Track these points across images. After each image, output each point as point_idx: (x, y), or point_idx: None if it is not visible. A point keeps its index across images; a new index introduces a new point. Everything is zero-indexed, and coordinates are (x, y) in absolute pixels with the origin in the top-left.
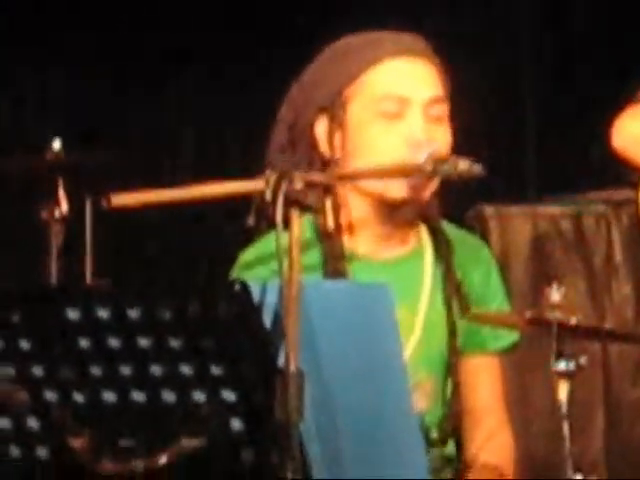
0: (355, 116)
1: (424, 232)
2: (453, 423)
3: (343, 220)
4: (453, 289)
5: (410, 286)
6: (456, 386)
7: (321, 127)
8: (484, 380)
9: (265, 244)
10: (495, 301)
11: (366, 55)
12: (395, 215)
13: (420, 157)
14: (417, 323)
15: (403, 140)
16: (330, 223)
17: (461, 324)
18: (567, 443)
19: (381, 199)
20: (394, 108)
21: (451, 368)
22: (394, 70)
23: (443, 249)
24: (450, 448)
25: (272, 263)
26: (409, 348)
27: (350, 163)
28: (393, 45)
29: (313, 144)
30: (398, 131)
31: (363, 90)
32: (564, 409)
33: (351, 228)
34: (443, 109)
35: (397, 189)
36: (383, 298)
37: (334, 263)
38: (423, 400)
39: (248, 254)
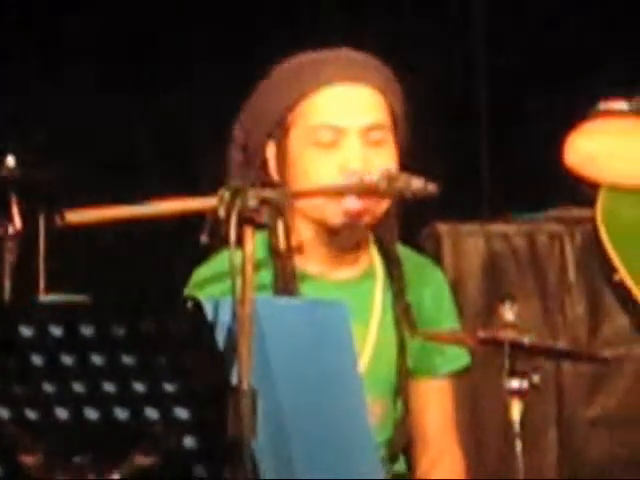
0: (294, 144)
1: (375, 253)
2: (402, 444)
3: (293, 240)
4: (403, 311)
5: (361, 307)
6: (405, 407)
7: (271, 151)
8: (434, 404)
9: (219, 261)
10: (447, 323)
11: (306, 82)
12: (337, 240)
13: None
14: (367, 344)
15: (338, 169)
16: (282, 242)
17: (412, 347)
18: (520, 462)
19: (320, 225)
20: (329, 137)
21: (400, 389)
22: (331, 99)
23: (394, 270)
24: (401, 465)
25: (226, 281)
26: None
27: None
28: (334, 70)
29: (265, 165)
30: (333, 160)
31: (301, 118)
32: (517, 428)
33: (301, 248)
34: (383, 134)
35: (332, 216)
36: (339, 315)
37: (285, 282)
38: (371, 420)
39: (202, 271)
